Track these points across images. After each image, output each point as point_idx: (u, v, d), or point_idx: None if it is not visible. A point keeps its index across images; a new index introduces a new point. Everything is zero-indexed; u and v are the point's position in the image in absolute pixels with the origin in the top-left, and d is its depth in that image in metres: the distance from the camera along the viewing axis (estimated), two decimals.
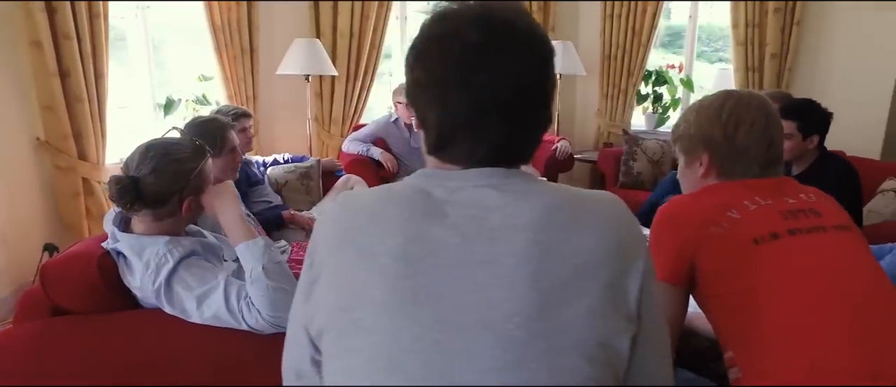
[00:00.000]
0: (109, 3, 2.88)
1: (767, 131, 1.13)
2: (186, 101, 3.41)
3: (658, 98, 4.67)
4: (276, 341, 1.24)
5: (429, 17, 0.74)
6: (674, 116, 4.76)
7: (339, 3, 3.80)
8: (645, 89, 4.64)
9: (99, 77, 2.89)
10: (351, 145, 3.63)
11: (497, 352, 0.62)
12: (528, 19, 0.72)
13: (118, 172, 1.32)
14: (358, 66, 3.95)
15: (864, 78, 3.64)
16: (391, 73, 4.45)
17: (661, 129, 4.64)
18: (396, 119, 3.69)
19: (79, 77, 2.78)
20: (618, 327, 0.67)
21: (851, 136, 3.27)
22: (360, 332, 0.65)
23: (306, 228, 2.54)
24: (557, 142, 3.93)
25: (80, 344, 1.20)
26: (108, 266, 1.31)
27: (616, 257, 0.68)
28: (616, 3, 4.36)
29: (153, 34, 3.32)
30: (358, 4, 3.82)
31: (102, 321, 1.26)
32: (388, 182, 3.85)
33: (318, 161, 3.13)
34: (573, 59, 4.24)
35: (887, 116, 3.63)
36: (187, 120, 3.47)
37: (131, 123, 3.32)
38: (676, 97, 4.70)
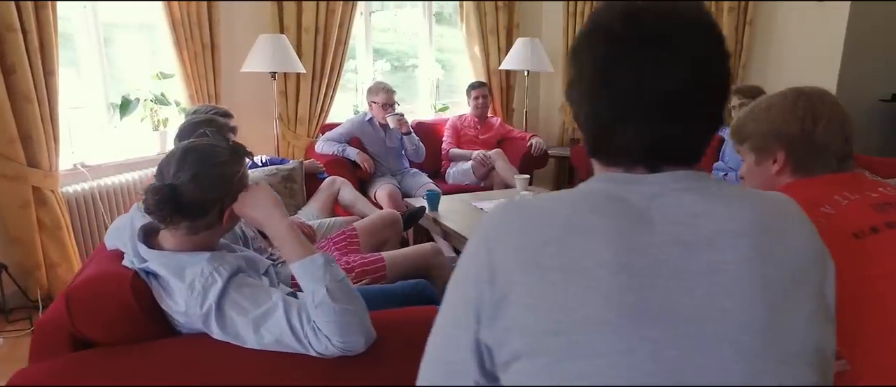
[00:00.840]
0: (58, 1, 2.60)
1: (844, 126, 1.15)
2: (144, 100, 3.13)
3: None
4: (343, 361, 1.13)
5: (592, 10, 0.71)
6: None
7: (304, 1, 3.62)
8: None
9: (49, 74, 2.59)
10: (325, 146, 3.47)
11: (737, 364, 0.58)
12: (691, 13, 0.67)
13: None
14: (324, 63, 3.78)
15: (810, 74, 3.89)
16: (357, 71, 4.30)
17: None
18: (371, 118, 3.57)
19: (25, 74, 2.49)
20: (828, 333, 0.66)
21: None
22: (581, 355, 0.59)
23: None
24: (531, 138, 3.94)
25: (128, 379, 1.05)
26: (140, 289, 1.15)
27: (818, 261, 0.67)
28: (578, 1, 4.43)
29: (102, 31, 3.03)
30: (323, 3, 3.66)
31: (144, 352, 1.10)
32: (364, 183, 3.68)
33: (301, 163, 2.96)
34: (541, 56, 4.26)
35: None
36: (144, 120, 3.22)
37: (85, 126, 3.00)
38: None
